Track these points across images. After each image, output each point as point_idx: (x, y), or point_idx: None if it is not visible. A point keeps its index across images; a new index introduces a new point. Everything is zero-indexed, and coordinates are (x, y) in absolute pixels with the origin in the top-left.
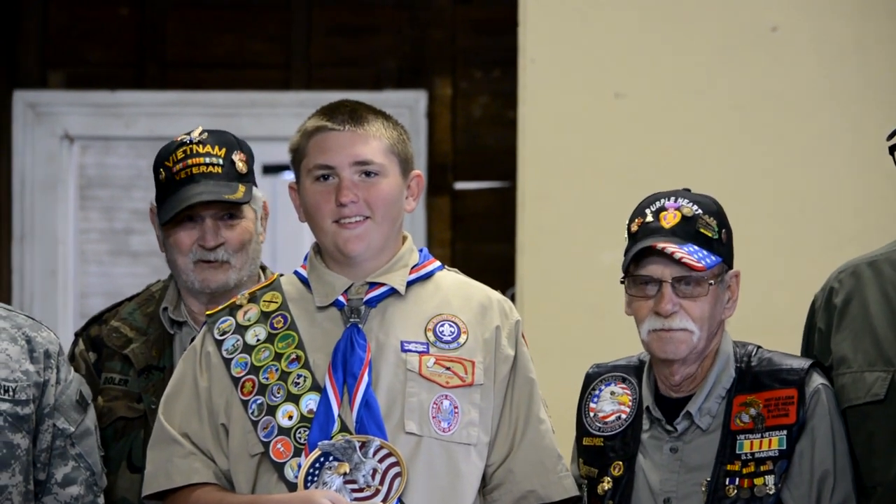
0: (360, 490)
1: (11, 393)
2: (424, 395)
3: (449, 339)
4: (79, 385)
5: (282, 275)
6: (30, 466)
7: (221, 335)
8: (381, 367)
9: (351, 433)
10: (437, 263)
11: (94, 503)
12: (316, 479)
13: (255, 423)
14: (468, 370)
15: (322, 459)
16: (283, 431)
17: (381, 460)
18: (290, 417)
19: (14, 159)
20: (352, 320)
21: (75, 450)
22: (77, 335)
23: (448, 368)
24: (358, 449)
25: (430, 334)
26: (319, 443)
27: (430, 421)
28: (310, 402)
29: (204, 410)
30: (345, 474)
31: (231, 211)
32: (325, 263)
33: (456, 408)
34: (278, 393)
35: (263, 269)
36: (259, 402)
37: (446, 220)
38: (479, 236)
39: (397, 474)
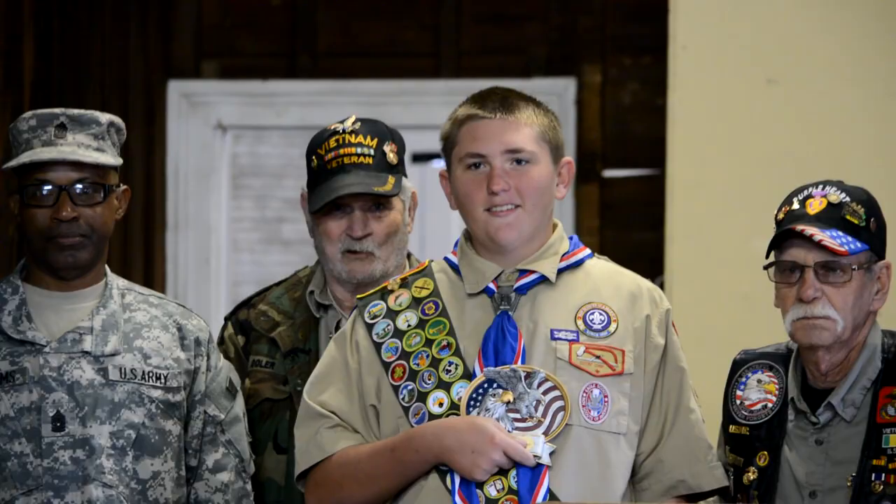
0: (522, 420)
1: (163, 380)
2: (574, 384)
3: (599, 327)
4: (228, 372)
5: (433, 261)
6: (181, 452)
7: (372, 319)
8: (531, 355)
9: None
10: (588, 251)
11: (244, 489)
12: (478, 404)
13: (406, 409)
14: (618, 359)
15: (486, 386)
16: (434, 419)
17: (545, 393)
18: (441, 405)
19: (168, 148)
20: (502, 307)
21: (225, 436)
22: (226, 319)
23: (598, 357)
24: (523, 379)
25: (580, 322)
26: (485, 369)
27: (579, 409)
28: (460, 390)
29: (354, 390)
30: (508, 403)
31: (380, 202)
32: (476, 250)
33: (606, 397)
34: (429, 380)
35: (408, 256)
36: (410, 388)
37: (595, 208)
38: (627, 224)
39: (561, 408)
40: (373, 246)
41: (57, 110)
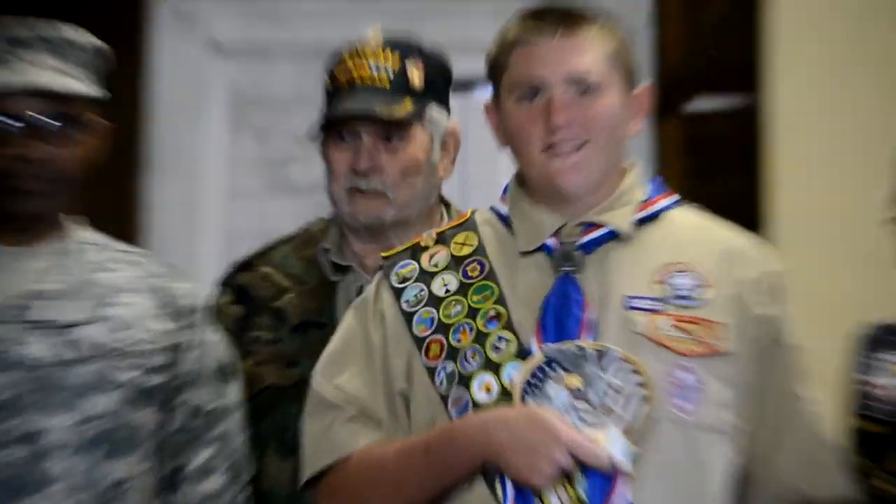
0: (593, 411)
1: (139, 358)
2: (659, 366)
3: (688, 294)
4: (223, 350)
5: (476, 211)
6: (158, 452)
7: (401, 282)
8: (603, 329)
9: None
10: (673, 198)
11: (239, 497)
12: (536, 391)
13: (444, 398)
14: (715, 334)
15: (545, 368)
16: (480, 409)
17: (621, 377)
18: (489, 391)
19: (151, 74)
20: (564, 269)
21: (216, 431)
22: (221, 284)
23: (688, 332)
24: (593, 359)
25: (662, 288)
26: (543, 346)
27: (666, 399)
28: (513, 372)
29: (378, 373)
30: (574, 390)
31: (394, 132)
32: (531, 199)
33: (700, 383)
34: (473, 359)
35: (447, 205)
36: (449, 370)
37: (678, 147)
38: (719, 167)
39: (642, 397)
40: (382, 184)
41: (18, 23)
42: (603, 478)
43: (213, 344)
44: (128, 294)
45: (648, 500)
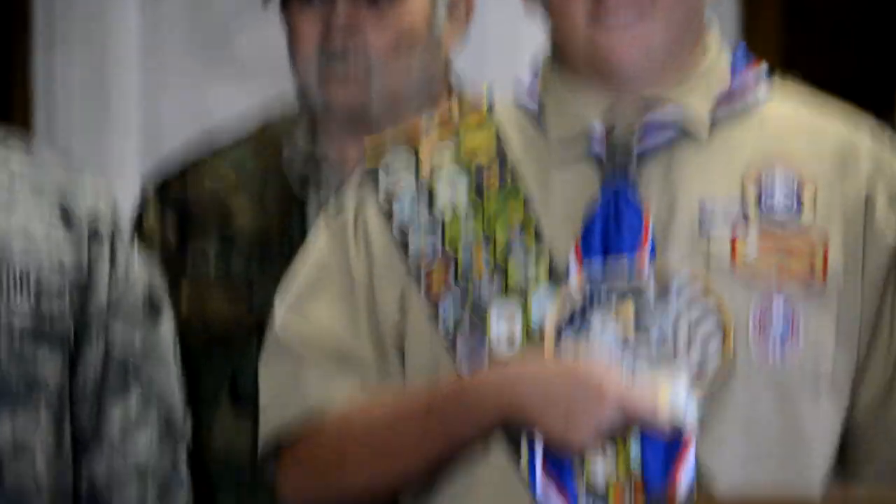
0: (651, 354)
1: (33, 284)
2: (741, 294)
3: (783, 200)
4: (148, 276)
5: (494, 99)
6: (65, 405)
7: (392, 187)
8: (668, 243)
9: None
10: (763, 70)
11: (174, 463)
12: (576, 326)
13: (450, 339)
14: (817, 255)
15: (589, 296)
16: (499, 350)
17: (689, 308)
18: (511, 324)
19: None
20: (615, 175)
21: (143, 378)
22: (146, 196)
23: (782, 251)
24: (654, 286)
25: (749, 194)
26: (586, 266)
27: (749, 339)
28: (545, 300)
29: (361, 309)
30: (629, 326)
31: None
32: (570, 81)
33: (793, 317)
34: (491, 283)
35: (459, 93)
36: (457, 300)
37: (775, 3)
38: (832, 31)
39: (717, 335)
40: (365, 64)
41: None
42: (664, 441)
43: (136, 264)
44: (11, 198)
45: (725, 473)
